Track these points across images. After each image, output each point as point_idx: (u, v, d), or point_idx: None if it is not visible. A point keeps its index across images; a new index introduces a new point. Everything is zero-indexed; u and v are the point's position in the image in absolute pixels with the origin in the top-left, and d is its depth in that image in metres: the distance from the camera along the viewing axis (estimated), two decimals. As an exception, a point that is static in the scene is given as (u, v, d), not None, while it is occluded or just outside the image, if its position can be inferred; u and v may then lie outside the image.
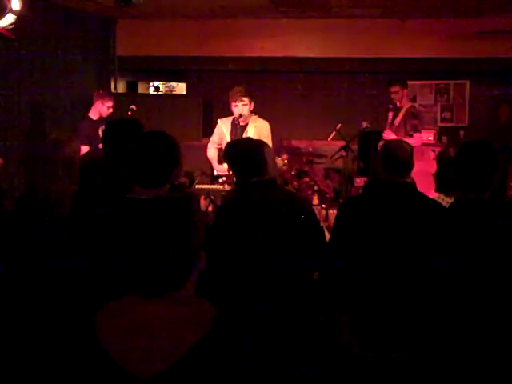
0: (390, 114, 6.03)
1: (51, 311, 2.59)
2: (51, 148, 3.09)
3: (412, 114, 5.88)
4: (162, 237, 1.49)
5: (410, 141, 5.58)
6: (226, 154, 2.96)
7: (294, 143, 7.27)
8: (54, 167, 3.01)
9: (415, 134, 5.77)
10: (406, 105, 5.97)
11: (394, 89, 5.93)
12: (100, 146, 5.38)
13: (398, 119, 5.90)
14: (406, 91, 6.00)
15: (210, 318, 1.48)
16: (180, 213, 1.54)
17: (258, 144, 2.91)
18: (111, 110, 5.86)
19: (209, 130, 5.43)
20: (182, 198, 1.62)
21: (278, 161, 4.63)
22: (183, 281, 1.52)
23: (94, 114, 5.86)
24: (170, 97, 9.06)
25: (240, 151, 2.85)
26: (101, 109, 5.83)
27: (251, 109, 4.93)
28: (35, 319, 2.68)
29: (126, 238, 1.54)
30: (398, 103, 5.96)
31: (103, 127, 5.45)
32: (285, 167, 4.96)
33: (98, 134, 5.47)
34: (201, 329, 1.45)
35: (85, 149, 5.43)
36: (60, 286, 2.49)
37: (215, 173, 5.17)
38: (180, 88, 9.21)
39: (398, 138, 5.65)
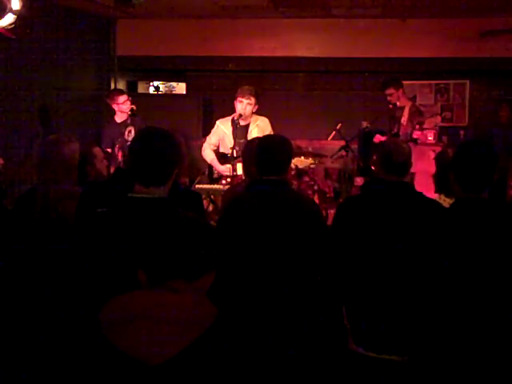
0: (397, 112, 6.03)
1: (51, 309, 2.59)
2: (50, 148, 3.09)
3: (418, 112, 5.93)
4: (158, 237, 1.49)
5: (417, 134, 5.59)
6: (255, 149, 2.93)
7: (295, 143, 7.26)
8: (53, 168, 3.01)
9: (421, 131, 5.77)
10: (407, 103, 5.99)
11: (388, 91, 5.98)
12: (117, 148, 5.46)
13: (405, 119, 5.92)
14: (400, 91, 6.02)
15: (213, 312, 1.49)
16: (179, 214, 1.54)
17: (288, 142, 2.91)
18: (128, 104, 5.80)
19: (209, 129, 5.42)
20: (183, 198, 1.62)
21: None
22: (184, 280, 1.52)
23: (118, 117, 5.86)
24: (170, 97, 9.04)
25: (268, 146, 2.85)
26: (120, 108, 5.81)
27: (254, 110, 4.93)
28: (36, 318, 2.68)
29: (126, 238, 1.54)
30: (397, 103, 5.99)
31: (130, 128, 5.53)
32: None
33: (123, 136, 5.49)
34: (206, 320, 1.46)
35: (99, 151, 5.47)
36: (60, 284, 2.49)
37: (215, 175, 5.16)
38: (180, 88, 9.20)
39: (406, 135, 5.71)
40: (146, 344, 1.41)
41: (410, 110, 5.94)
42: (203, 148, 5.18)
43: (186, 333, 1.43)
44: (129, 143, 5.41)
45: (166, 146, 2.14)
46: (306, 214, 2.75)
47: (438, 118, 6.70)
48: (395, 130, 5.94)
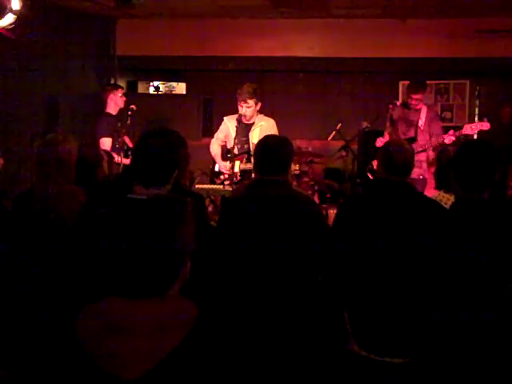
0: (411, 115, 5.58)
1: (48, 309, 2.59)
2: (46, 147, 3.08)
3: (438, 117, 5.59)
4: (153, 237, 1.48)
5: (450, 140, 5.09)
6: (256, 148, 2.93)
7: (294, 143, 7.26)
8: (50, 167, 3.00)
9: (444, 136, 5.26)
10: (423, 106, 5.59)
11: (418, 96, 5.49)
12: (126, 138, 5.49)
13: (422, 123, 5.50)
14: (425, 95, 5.60)
15: (193, 316, 1.47)
16: (171, 215, 1.53)
17: (288, 142, 2.91)
18: (124, 98, 5.88)
19: (209, 129, 5.43)
20: (179, 200, 1.61)
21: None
22: (167, 284, 1.50)
23: (112, 110, 5.86)
24: (170, 97, 9.03)
25: (265, 146, 2.85)
26: (117, 100, 5.84)
27: (257, 109, 4.94)
28: (32, 318, 2.67)
29: (121, 239, 1.53)
30: (416, 106, 5.56)
31: (119, 124, 5.55)
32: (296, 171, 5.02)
33: (118, 128, 5.52)
34: (184, 328, 1.44)
35: (107, 141, 5.54)
36: (57, 284, 2.49)
37: (216, 168, 5.18)
38: (180, 88, 9.18)
39: (424, 142, 5.34)
40: (121, 358, 1.39)
41: (428, 114, 5.52)
42: (211, 142, 5.23)
43: (164, 343, 1.41)
44: (120, 138, 5.47)
45: (165, 147, 2.14)
46: (306, 214, 2.75)
47: (485, 124, 5.23)
48: (412, 134, 5.50)
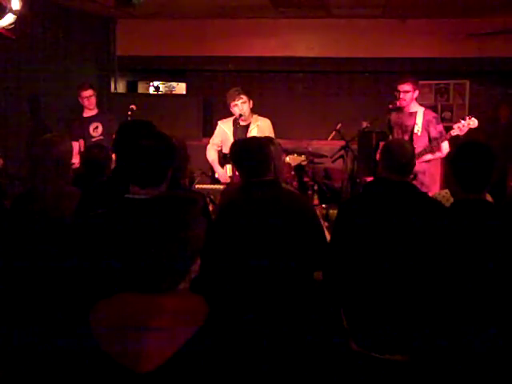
0: (406, 120, 5.04)
1: (46, 310, 2.60)
2: (44, 148, 3.09)
3: (435, 118, 4.98)
4: (156, 237, 1.49)
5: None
6: (231, 153, 2.97)
7: (294, 143, 7.26)
8: (48, 167, 3.01)
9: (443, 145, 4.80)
10: (418, 109, 5.01)
11: (404, 87, 4.93)
12: (81, 142, 5.40)
13: (419, 127, 4.94)
14: (417, 92, 4.99)
15: (204, 311, 1.49)
16: (176, 214, 1.54)
17: (265, 143, 2.91)
18: (86, 102, 5.63)
19: (209, 130, 5.44)
20: (179, 199, 1.62)
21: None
22: (178, 279, 1.52)
23: (85, 112, 5.76)
24: (170, 97, 9.04)
25: (245, 150, 2.86)
26: (81, 102, 5.69)
27: (251, 106, 4.95)
28: (31, 318, 2.68)
29: (122, 238, 1.54)
30: (406, 108, 5.01)
31: (96, 124, 5.47)
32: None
33: (88, 131, 5.45)
34: (195, 322, 1.46)
35: (73, 145, 5.43)
36: (55, 286, 2.50)
37: (216, 176, 5.18)
38: (180, 88, 9.20)
39: (420, 149, 4.74)
40: (134, 352, 1.40)
41: (424, 116, 4.94)
42: (207, 148, 5.23)
43: (176, 337, 1.42)
44: (95, 139, 5.42)
45: (158, 146, 2.16)
46: (297, 212, 2.75)
47: (473, 122, 4.70)
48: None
